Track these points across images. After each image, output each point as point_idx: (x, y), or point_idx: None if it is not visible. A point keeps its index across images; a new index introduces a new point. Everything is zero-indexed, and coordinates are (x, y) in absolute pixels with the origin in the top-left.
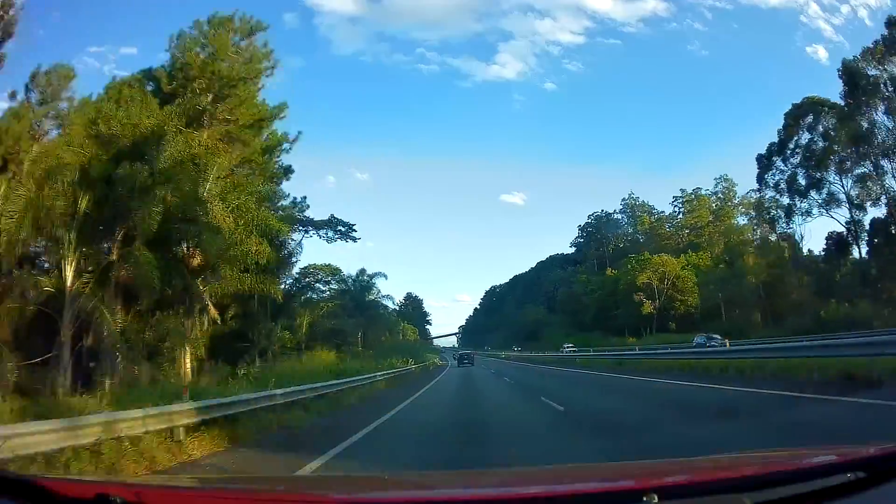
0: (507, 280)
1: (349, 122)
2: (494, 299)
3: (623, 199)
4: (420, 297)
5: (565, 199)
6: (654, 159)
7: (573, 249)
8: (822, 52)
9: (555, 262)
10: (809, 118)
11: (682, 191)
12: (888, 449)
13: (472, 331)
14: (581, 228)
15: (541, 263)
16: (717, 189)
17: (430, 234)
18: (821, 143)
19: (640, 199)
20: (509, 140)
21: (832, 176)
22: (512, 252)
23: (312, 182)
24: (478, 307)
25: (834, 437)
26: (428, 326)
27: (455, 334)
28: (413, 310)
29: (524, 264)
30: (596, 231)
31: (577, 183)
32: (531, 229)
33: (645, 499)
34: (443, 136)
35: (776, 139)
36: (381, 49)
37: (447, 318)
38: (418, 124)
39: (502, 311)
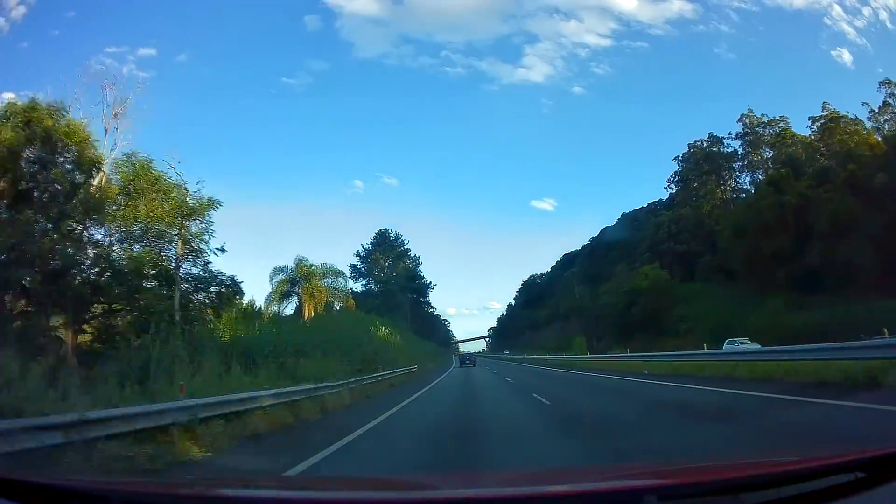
0: (553, 264)
1: (375, 126)
2: (536, 289)
3: (742, 116)
4: (408, 244)
5: (594, 205)
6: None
7: (669, 192)
8: (846, 56)
9: (639, 216)
10: None
11: (826, 105)
12: (888, 449)
13: (505, 332)
14: (682, 160)
15: (608, 229)
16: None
17: (459, 238)
18: None
19: (768, 116)
20: (538, 145)
21: None
22: (548, 243)
23: (340, 187)
24: (512, 302)
25: None
26: (437, 316)
27: (484, 337)
28: (391, 261)
29: (574, 242)
30: (705, 163)
31: (606, 189)
32: (564, 228)
33: (645, 499)
34: (470, 140)
35: None
36: (406, 52)
37: (478, 326)
38: (446, 128)
39: (552, 298)
